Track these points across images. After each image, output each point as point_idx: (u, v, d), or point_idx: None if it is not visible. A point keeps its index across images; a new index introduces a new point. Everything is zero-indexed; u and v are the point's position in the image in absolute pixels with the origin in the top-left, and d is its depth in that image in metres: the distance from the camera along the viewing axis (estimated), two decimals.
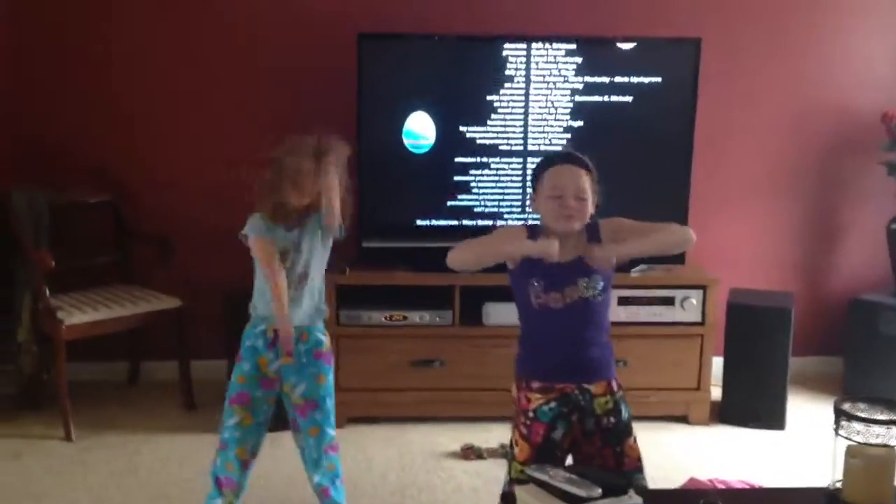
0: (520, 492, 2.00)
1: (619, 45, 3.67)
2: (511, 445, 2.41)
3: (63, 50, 3.88)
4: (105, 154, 3.95)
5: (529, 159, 3.70)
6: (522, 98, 3.68)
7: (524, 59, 3.64)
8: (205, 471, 3.06)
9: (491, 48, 3.65)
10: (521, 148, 3.71)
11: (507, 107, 3.68)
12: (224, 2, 3.91)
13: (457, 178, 3.72)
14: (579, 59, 3.65)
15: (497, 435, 3.53)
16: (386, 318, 3.63)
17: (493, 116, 3.69)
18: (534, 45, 3.64)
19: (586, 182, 2.31)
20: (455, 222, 3.74)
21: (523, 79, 3.66)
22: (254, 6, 3.91)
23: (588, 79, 3.67)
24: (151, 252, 3.87)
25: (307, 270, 2.77)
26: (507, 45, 3.64)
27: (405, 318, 3.64)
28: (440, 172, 3.72)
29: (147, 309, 3.67)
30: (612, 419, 2.34)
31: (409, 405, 3.70)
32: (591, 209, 2.33)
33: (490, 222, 3.74)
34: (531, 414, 2.34)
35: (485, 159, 3.71)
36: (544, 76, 3.67)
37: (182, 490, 3.13)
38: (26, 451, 3.40)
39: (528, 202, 2.57)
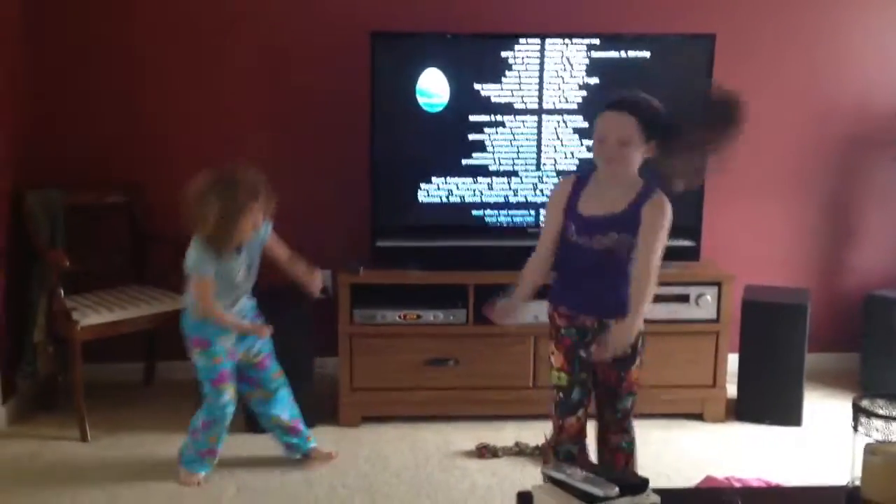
0: (537, 491, 1.99)
1: (632, 47, 3.66)
2: (549, 357, 2.71)
3: (78, 52, 3.89)
4: (120, 155, 3.96)
5: (545, 117, 3.69)
6: (538, 55, 3.65)
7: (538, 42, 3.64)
8: (220, 470, 3.08)
9: (502, 45, 3.64)
10: (535, 106, 3.69)
11: (522, 64, 3.66)
12: (239, 4, 3.91)
13: (471, 136, 3.69)
14: (594, 51, 3.66)
15: (511, 433, 3.52)
16: (400, 317, 3.63)
17: (507, 74, 3.66)
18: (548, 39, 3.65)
19: (631, 128, 2.46)
20: (470, 180, 3.72)
21: (538, 39, 3.64)
22: (268, 7, 3.92)
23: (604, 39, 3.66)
24: (166, 252, 3.87)
25: (250, 279, 3.10)
26: (519, 42, 3.63)
27: (419, 317, 3.64)
28: (454, 131, 3.69)
29: (162, 309, 3.67)
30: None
31: (423, 404, 3.69)
32: (637, 157, 2.50)
33: (505, 180, 3.72)
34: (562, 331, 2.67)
35: (499, 117, 3.68)
36: (559, 33, 3.66)
37: (197, 490, 3.14)
38: (43, 452, 3.41)
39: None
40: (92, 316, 3.52)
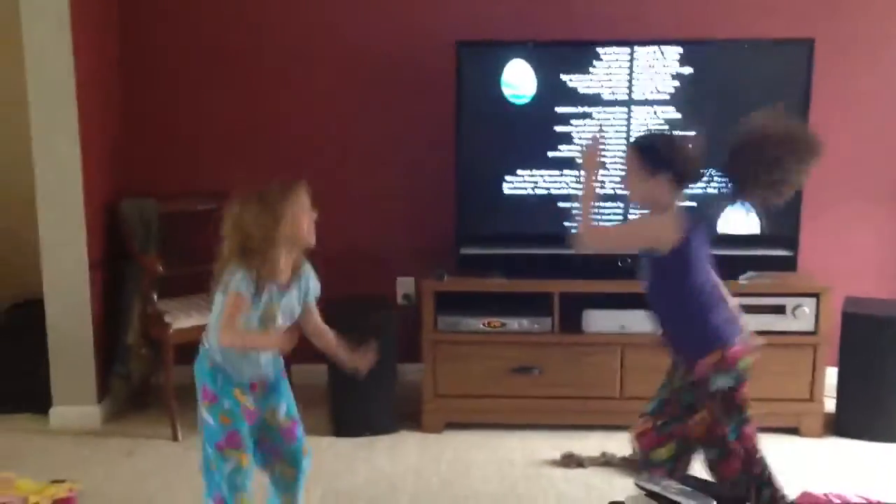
0: (631, 502, 1.94)
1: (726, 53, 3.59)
2: None
3: (169, 64, 4.00)
4: (209, 164, 4.03)
5: (634, 108, 3.60)
6: (628, 47, 3.57)
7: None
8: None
9: (591, 53, 3.59)
10: (625, 97, 3.61)
11: (612, 55, 3.58)
12: (331, 15, 3.95)
13: (558, 128, 3.62)
14: (684, 59, 3.57)
15: (596, 443, 3.46)
16: (484, 324, 3.61)
17: (595, 64, 3.59)
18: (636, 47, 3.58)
19: (630, 159, 2.54)
20: (557, 172, 3.65)
21: (627, 48, 3.58)
22: (356, 17, 3.95)
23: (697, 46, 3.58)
24: None
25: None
26: (606, 48, 3.58)
27: (503, 324, 3.61)
28: (541, 123, 3.62)
29: None
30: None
31: (507, 412, 3.66)
32: (636, 189, 2.53)
33: None
34: None
35: (587, 109, 3.60)
36: (649, 40, 3.60)
37: None
38: (136, 450, 3.50)
39: None
40: (183, 319, 3.60)
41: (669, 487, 1.88)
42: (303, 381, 3.78)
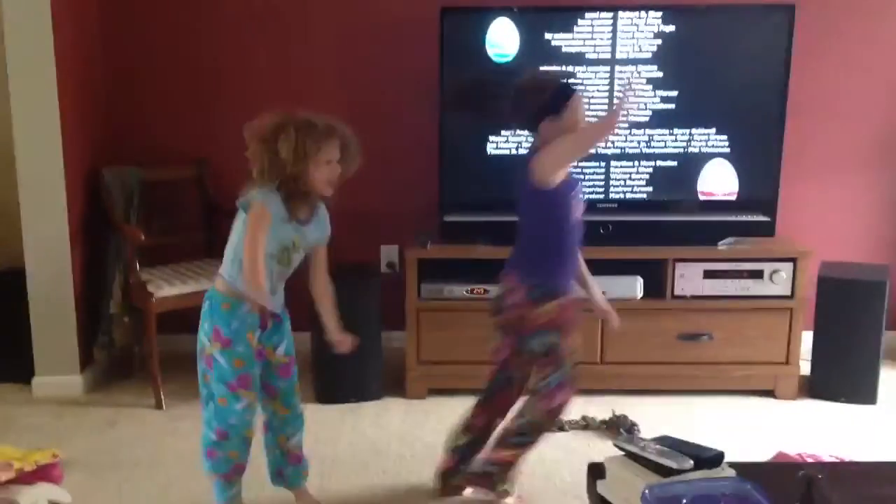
0: (609, 463, 1.98)
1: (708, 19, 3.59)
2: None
3: (151, 30, 3.97)
4: (190, 130, 4.02)
5: (617, 68, 3.60)
6: (612, 9, 3.58)
7: None
8: None
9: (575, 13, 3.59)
10: (608, 56, 3.61)
11: (594, 12, 3.58)
12: None
13: None
14: (666, 21, 3.58)
15: (577, 408, 3.49)
16: (467, 291, 3.63)
17: (579, 23, 3.59)
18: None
19: None
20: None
21: (609, 13, 3.57)
22: None
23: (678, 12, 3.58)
24: None
25: (292, 267, 2.59)
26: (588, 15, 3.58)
27: (487, 291, 3.63)
28: None
29: None
30: None
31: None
32: None
33: None
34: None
35: (570, 68, 3.59)
36: (631, 5, 3.58)
37: None
38: (119, 419, 3.51)
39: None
40: (166, 288, 3.60)
41: (648, 447, 1.92)
42: None
